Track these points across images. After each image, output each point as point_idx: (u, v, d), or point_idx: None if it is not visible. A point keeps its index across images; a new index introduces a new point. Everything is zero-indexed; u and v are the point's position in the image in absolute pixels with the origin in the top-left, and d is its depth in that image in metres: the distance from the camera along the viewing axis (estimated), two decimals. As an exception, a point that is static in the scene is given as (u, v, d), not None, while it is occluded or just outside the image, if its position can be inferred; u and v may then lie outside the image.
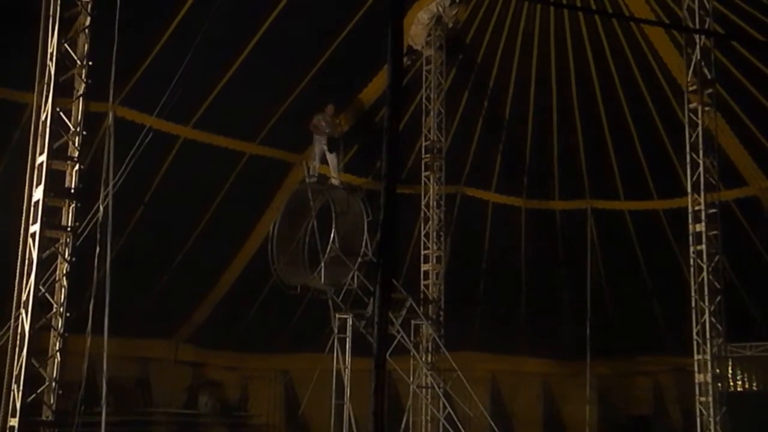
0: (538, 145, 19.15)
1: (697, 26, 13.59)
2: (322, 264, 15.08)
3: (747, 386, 18.37)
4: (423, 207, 17.31)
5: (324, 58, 15.99)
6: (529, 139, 19.07)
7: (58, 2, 9.80)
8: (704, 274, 13.27)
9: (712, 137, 13.79)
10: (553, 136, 19.05)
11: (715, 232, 13.47)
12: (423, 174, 17.33)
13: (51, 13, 9.88)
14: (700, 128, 13.57)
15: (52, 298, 9.66)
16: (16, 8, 11.52)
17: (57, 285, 9.73)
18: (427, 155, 17.31)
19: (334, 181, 16.31)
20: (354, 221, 15.62)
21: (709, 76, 13.61)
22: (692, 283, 13.47)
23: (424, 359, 16.15)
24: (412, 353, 15.66)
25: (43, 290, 9.51)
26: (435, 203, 17.30)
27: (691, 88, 13.76)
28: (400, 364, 14.99)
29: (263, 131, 16.62)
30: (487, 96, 18.46)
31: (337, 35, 15.78)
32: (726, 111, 16.10)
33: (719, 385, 13.32)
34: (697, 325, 13.31)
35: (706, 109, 13.63)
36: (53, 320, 9.66)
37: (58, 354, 9.55)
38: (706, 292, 13.22)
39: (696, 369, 13.31)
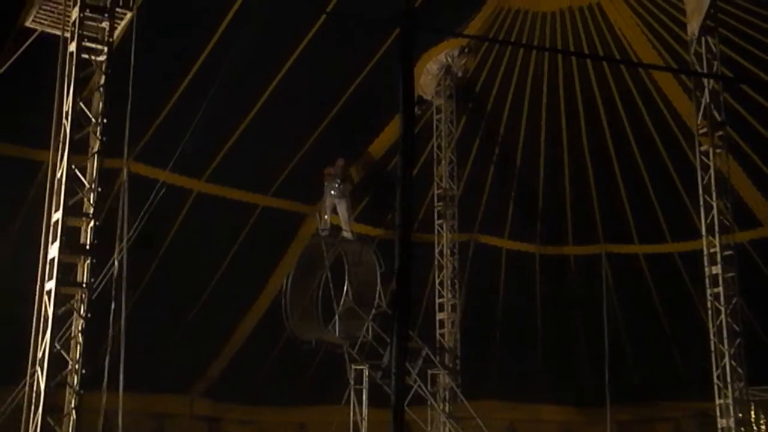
0: (550, 191, 19.16)
1: (705, 70, 13.66)
2: (337, 317, 15.04)
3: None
4: (437, 255, 17.28)
5: (334, 110, 16.13)
6: (541, 185, 19.09)
7: (74, 62, 9.96)
8: (722, 316, 13.15)
9: (725, 179, 13.77)
10: (565, 181, 19.07)
11: (731, 274, 13.38)
12: (436, 222, 17.35)
13: (67, 72, 10.03)
14: (711, 170, 13.57)
15: (68, 355, 9.64)
16: (31, 68, 11.70)
17: (72, 341, 9.71)
18: (440, 203, 17.35)
19: (346, 234, 16.33)
20: (367, 273, 15.61)
21: (719, 119, 13.65)
22: (710, 326, 13.34)
23: (441, 408, 15.99)
24: (429, 403, 15.51)
25: (58, 347, 9.50)
26: (449, 251, 17.27)
27: (701, 131, 13.80)
28: (417, 414, 14.84)
29: (276, 183, 16.71)
30: (498, 143, 18.54)
31: (346, 88, 15.95)
32: (737, 152, 16.10)
33: (742, 429, 13.11)
34: (717, 369, 13.15)
35: (718, 151, 13.65)
36: (69, 377, 9.63)
37: (73, 411, 9.50)
38: (725, 335, 13.08)
39: (718, 414, 13.12)
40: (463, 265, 18.22)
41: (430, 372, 15.95)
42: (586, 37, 16.84)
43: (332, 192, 16.18)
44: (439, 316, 17.08)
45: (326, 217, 16.40)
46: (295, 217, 17.42)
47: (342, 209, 16.36)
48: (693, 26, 13.95)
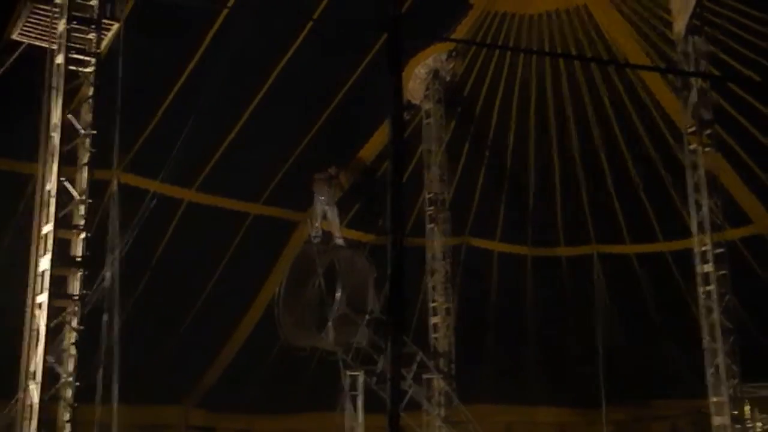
0: (540, 193, 19.19)
1: (692, 69, 13.71)
2: (330, 323, 15.00)
3: (766, 427, 18.08)
4: (428, 259, 17.25)
5: (323, 117, 16.13)
6: (532, 186, 19.12)
7: (62, 74, 9.91)
8: (715, 314, 13.18)
9: (714, 177, 13.81)
10: (555, 182, 19.10)
11: (723, 272, 13.40)
12: (427, 226, 17.33)
13: (55, 84, 9.99)
14: (701, 169, 13.60)
15: (61, 368, 9.57)
16: (18, 81, 11.67)
17: (65, 354, 9.65)
18: (431, 207, 17.33)
19: (338, 241, 16.30)
20: (359, 279, 15.58)
21: (707, 118, 13.69)
22: (703, 324, 13.36)
23: (437, 413, 15.96)
24: (424, 407, 15.48)
25: (51, 360, 9.43)
26: (441, 255, 17.26)
27: (690, 130, 13.84)
28: (413, 419, 14.81)
29: (267, 191, 16.69)
30: (488, 146, 18.56)
31: (335, 95, 15.94)
32: (726, 150, 16.15)
33: (737, 426, 13.13)
34: (710, 367, 13.18)
35: (706, 149, 13.69)
36: (62, 390, 9.56)
37: (67, 425, 9.44)
38: (718, 333, 13.11)
39: (712, 411, 13.14)
40: (455, 269, 18.20)
41: (424, 376, 15.92)
42: (574, 38, 16.89)
43: (322, 198, 16.16)
44: (433, 320, 17.05)
45: (317, 223, 16.37)
46: (287, 224, 17.39)
47: (332, 216, 16.34)
48: (679, 25, 14.02)
